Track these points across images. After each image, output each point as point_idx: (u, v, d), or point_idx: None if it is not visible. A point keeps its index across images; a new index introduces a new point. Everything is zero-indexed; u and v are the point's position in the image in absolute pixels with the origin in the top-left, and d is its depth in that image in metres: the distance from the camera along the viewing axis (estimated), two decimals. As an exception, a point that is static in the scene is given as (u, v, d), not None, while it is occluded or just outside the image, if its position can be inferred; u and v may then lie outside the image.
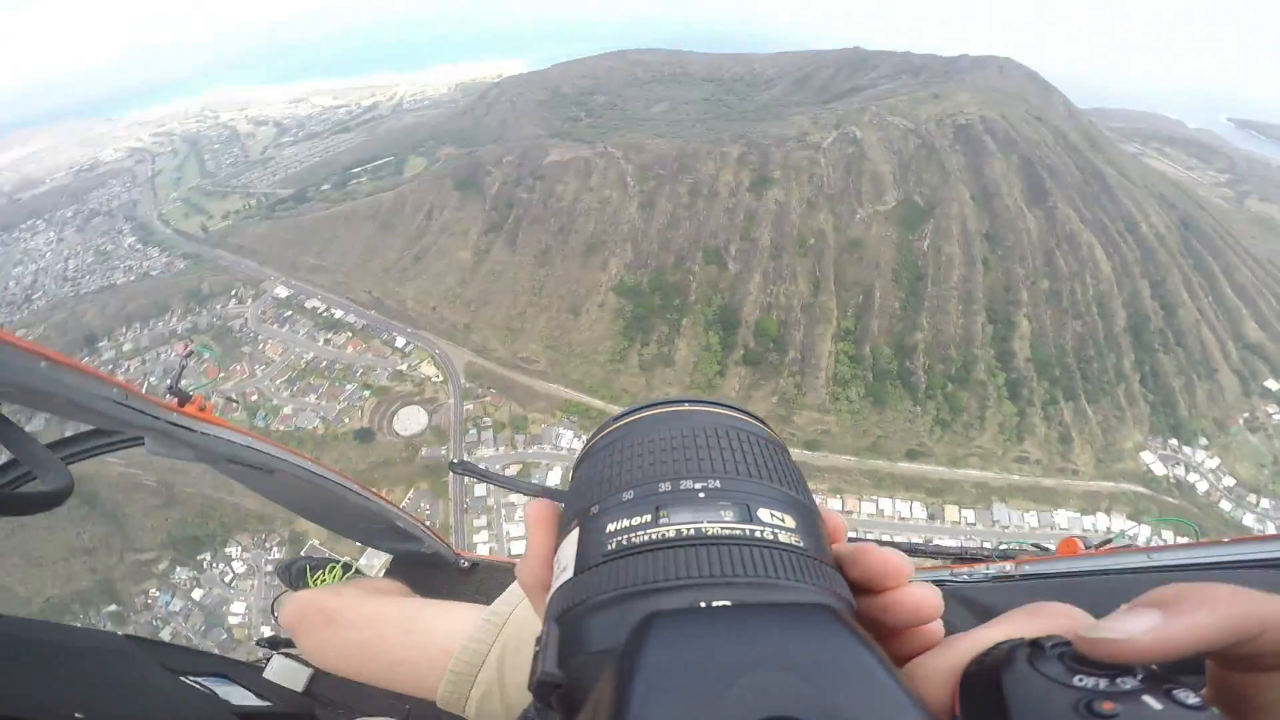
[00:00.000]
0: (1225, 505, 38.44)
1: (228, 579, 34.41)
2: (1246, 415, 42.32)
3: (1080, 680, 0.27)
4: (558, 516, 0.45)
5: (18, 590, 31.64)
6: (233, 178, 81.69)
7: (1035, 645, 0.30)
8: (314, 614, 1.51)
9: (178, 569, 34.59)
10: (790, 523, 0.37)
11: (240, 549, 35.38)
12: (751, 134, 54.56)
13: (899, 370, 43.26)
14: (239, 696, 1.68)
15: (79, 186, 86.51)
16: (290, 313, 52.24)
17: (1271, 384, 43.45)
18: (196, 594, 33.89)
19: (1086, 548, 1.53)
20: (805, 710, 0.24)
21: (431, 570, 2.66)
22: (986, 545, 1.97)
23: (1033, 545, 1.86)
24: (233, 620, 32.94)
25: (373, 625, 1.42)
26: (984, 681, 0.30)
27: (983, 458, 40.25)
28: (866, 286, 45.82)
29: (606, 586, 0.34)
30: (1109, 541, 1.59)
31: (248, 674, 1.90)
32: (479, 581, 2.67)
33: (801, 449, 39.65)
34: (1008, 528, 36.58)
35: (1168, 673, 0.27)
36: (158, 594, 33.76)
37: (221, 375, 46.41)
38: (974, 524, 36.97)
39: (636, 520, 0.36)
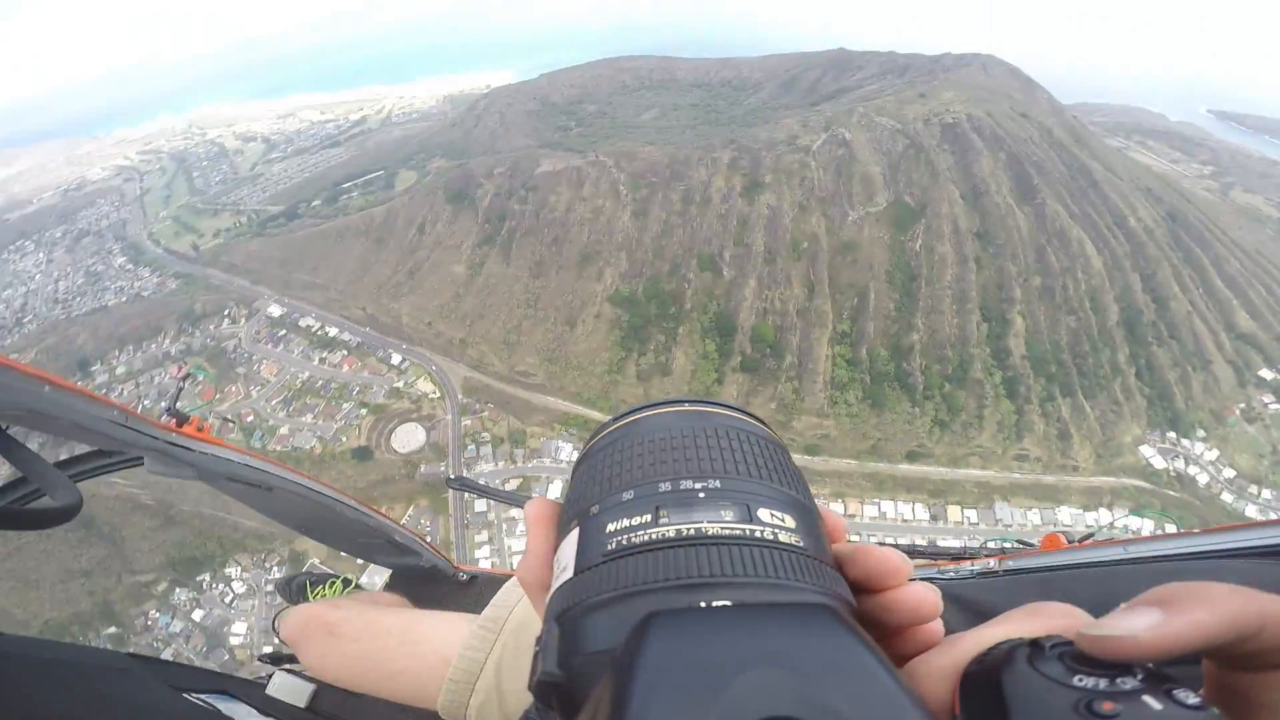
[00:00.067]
0: (1227, 497, 38.18)
1: (228, 599, 34.18)
2: (1243, 406, 42.37)
3: (1080, 680, 0.27)
4: (558, 515, 0.45)
5: (15, 613, 31.36)
6: (222, 195, 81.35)
7: (1035, 645, 0.30)
8: (315, 627, 1.53)
9: (177, 590, 34.34)
10: (790, 523, 0.37)
11: (240, 569, 35.15)
12: (742, 138, 54.84)
13: (896, 372, 43.36)
14: (243, 713, 1.69)
15: (67, 206, 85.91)
16: (284, 332, 51.97)
17: (1266, 373, 43.55)
18: (197, 615, 33.66)
19: (1069, 542, 1.57)
20: (805, 710, 0.25)
21: (431, 584, 2.67)
22: (990, 544, 2.01)
23: (1017, 541, 1.91)
24: (234, 641, 32.69)
25: (373, 636, 1.44)
26: (984, 681, 0.31)
27: (983, 457, 40.34)
28: (861, 289, 46.00)
29: (606, 586, 0.34)
30: (1090, 536, 1.62)
31: (251, 691, 1.90)
32: (478, 594, 2.67)
33: (802, 454, 39.59)
34: (1010, 526, 36.53)
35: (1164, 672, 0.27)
36: (157, 615, 33.51)
37: (217, 397, 46.08)
38: (977, 524, 36.90)
39: (636, 520, 0.36)
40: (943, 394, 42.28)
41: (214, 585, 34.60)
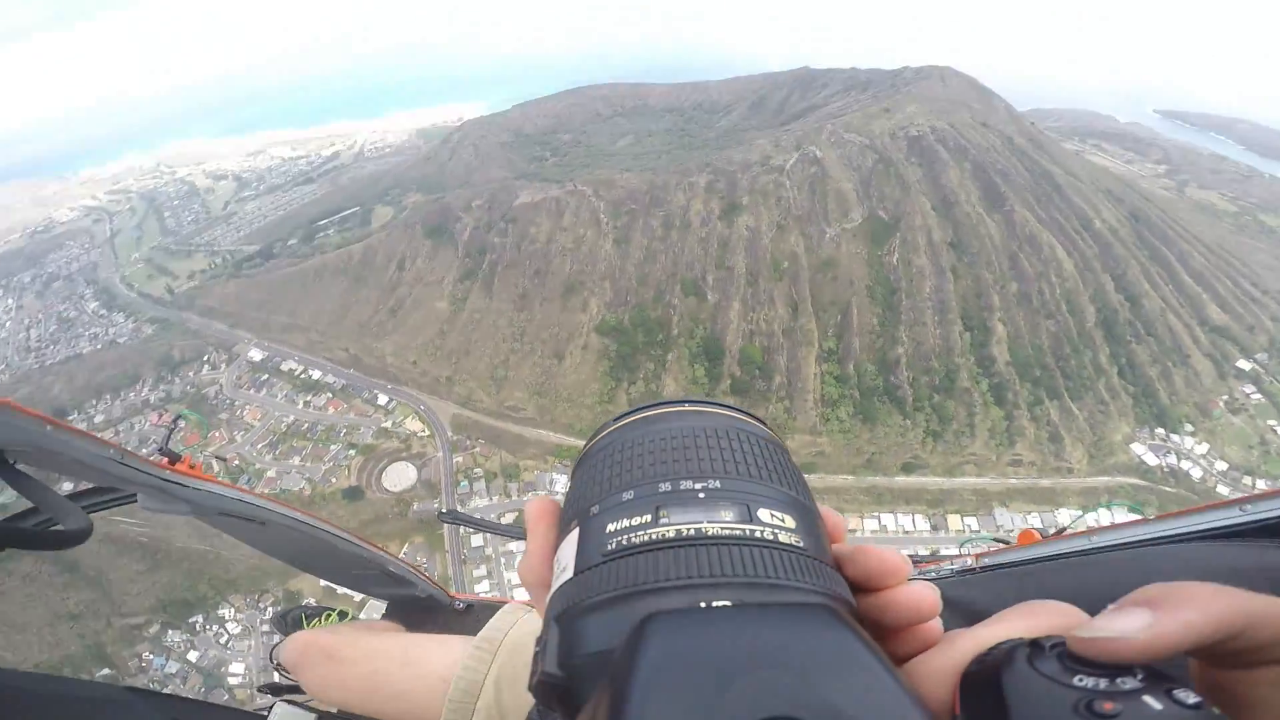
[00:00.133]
0: (1223, 489, 38.16)
1: (223, 640, 33.46)
2: (1226, 397, 43.29)
3: (1080, 680, 0.27)
4: (558, 513, 0.45)
5: (4, 656, 30.14)
6: (195, 235, 79.93)
7: (1035, 645, 0.30)
8: (314, 652, 1.56)
9: (169, 632, 33.54)
10: (790, 523, 0.37)
11: (234, 610, 34.39)
12: (716, 161, 55.69)
13: (885, 386, 43.86)
14: None
15: (35, 249, 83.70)
16: (266, 376, 51.01)
17: (1244, 364, 44.71)
18: (192, 655, 32.92)
19: (1043, 537, 1.61)
20: (806, 710, 0.25)
21: (428, 613, 2.68)
22: (965, 545, 2.09)
23: (994, 539, 1.99)
24: (233, 681, 31.86)
25: (372, 659, 1.45)
26: (984, 681, 0.31)
27: (978, 464, 40.83)
28: (843, 305, 46.63)
29: (606, 586, 0.34)
30: (1064, 530, 1.66)
31: None
32: (475, 622, 2.73)
33: (798, 471, 39.63)
34: (1011, 531, 36.66)
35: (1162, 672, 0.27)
36: (151, 656, 32.62)
37: (201, 442, 44.90)
38: (978, 531, 37.02)
39: (636, 520, 0.36)
40: (932, 405, 42.80)
41: (208, 627, 33.89)
